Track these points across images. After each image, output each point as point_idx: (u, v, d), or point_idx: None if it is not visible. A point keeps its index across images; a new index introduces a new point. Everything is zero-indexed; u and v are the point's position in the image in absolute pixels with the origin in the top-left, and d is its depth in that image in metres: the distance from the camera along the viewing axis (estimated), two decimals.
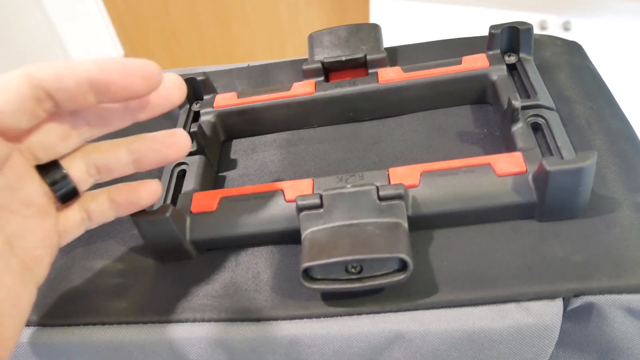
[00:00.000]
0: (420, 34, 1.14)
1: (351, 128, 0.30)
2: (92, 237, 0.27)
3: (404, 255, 0.21)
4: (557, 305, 0.21)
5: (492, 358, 0.22)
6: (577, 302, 0.21)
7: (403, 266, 0.21)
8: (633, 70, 1.10)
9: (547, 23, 1.10)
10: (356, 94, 0.30)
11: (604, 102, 0.29)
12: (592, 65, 0.32)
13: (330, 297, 0.22)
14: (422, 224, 0.24)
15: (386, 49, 0.33)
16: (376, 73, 0.30)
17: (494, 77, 0.28)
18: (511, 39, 0.29)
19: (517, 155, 0.24)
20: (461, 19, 1.09)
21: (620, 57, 1.10)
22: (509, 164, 0.24)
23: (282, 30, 1.36)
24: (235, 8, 1.37)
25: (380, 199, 0.23)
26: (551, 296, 0.21)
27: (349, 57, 0.30)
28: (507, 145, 0.26)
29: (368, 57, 0.30)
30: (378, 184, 0.23)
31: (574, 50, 0.32)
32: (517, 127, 0.25)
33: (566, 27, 1.09)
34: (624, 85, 1.12)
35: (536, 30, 1.10)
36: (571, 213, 0.23)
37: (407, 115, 0.30)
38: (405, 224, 0.22)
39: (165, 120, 0.33)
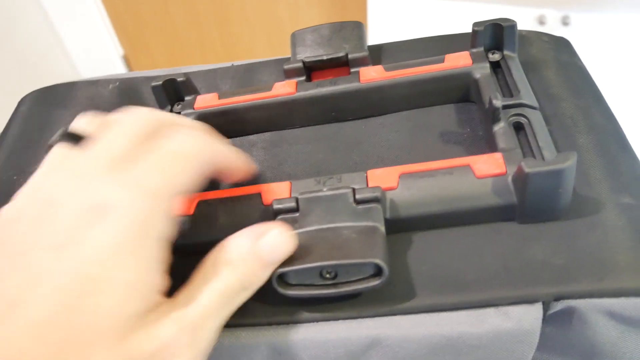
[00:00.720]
0: (419, 31, 1.13)
1: (333, 128, 0.30)
2: None
3: (378, 261, 0.20)
4: (536, 309, 0.21)
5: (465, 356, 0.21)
6: (558, 306, 0.21)
7: (379, 271, 0.21)
8: (633, 65, 1.09)
9: (545, 18, 1.09)
10: (337, 94, 0.29)
11: (591, 100, 0.28)
12: (580, 61, 0.31)
13: (307, 303, 0.22)
14: (401, 227, 0.23)
15: (370, 47, 0.32)
16: (358, 72, 0.29)
17: (477, 75, 0.28)
18: (495, 36, 0.29)
19: (497, 156, 0.23)
20: (460, 15, 1.08)
21: (620, 52, 1.09)
22: (488, 165, 0.23)
23: (282, 28, 1.36)
24: (235, 7, 1.37)
25: (357, 202, 0.22)
26: (530, 300, 0.21)
27: (330, 57, 0.30)
28: (489, 145, 0.26)
29: (350, 56, 0.30)
30: (355, 187, 0.23)
31: (561, 46, 0.32)
32: (499, 127, 0.25)
33: (565, 22, 1.08)
34: (624, 80, 1.11)
35: (534, 25, 1.09)
36: (552, 215, 0.22)
37: (390, 115, 0.30)
38: (382, 228, 0.22)
39: None
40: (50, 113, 0.35)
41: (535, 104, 0.26)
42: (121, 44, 1.54)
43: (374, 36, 1.15)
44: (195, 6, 1.39)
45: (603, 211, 0.22)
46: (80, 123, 0.21)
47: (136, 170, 0.18)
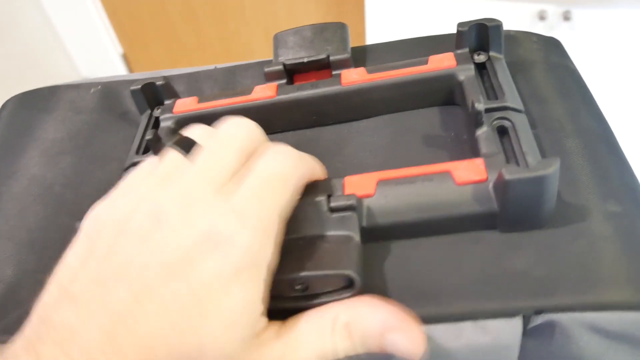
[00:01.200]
0: (417, 28, 1.12)
1: (315, 133, 0.29)
2: (44, 249, 0.27)
3: (350, 272, 0.20)
4: (515, 323, 0.20)
5: None
6: (538, 320, 0.20)
7: (351, 283, 0.20)
8: (634, 60, 1.08)
9: (546, 13, 1.07)
10: (318, 97, 0.28)
11: (580, 102, 0.27)
12: (571, 62, 0.30)
13: (278, 315, 0.22)
14: (378, 235, 0.23)
15: (353, 48, 0.31)
16: (339, 75, 0.29)
17: (461, 77, 0.27)
18: (480, 36, 0.28)
19: (479, 162, 0.23)
20: (459, 11, 1.06)
21: (621, 47, 1.07)
22: (469, 171, 0.22)
23: (280, 25, 1.35)
24: (233, 4, 1.36)
25: (331, 210, 0.22)
26: (509, 314, 0.20)
27: (311, 59, 0.29)
28: (473, 149, 0.25)
29: (331, 58, 0.29)
30: (331, 194, 0.22)
31: (551, 47, 0.31)
32: (482, 131, 0.24)
33: (566, 17, 1.06)
34: (625, 75, 1.10)
35: (535, 20, 1.08)
36: (535, 223, 0.22)
37: (373, 119, 0.29)
38: (357, 237, 0.21)
39: (129, 126, 0.32)
40: (32, 117, 0.35)
41: (520, 107, 0.25)
42: (120, 42, 1.53)
43: (372, 33, 1.14)
44: (193, 4, 1.38)
45: (589, 219, 0.22)
46: (194, 133, 0.22)
47: (241, 198, 0.19)
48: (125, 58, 1.57)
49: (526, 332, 0.20)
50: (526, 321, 0.20)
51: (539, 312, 0.20)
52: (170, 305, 0.17)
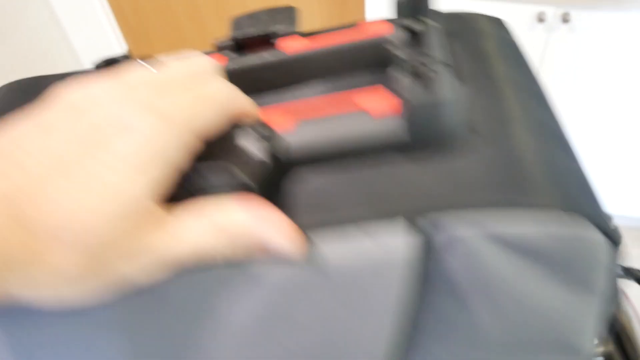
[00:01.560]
0: None
1: (258, 99, 0.30)
2: None
3: (242, 176, 0.20)
4: (400, 228, 0.20)
5: (340, 288, 0.21)
6: (441, 236, 0.20)
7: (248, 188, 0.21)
8: (632, 61, 1.07)
9: (545, 14, 1.07)
10: (262, 65, 0.29)
11: (517, 65, 0.28)
12: (513, 36, 0.32)
13: None
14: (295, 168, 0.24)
15: (305, 33, 0.32)
16: (282, 44, 0.30)
17: (396, 42, 0.28)
18: (416, 6, 0.29)
19: (387, 93, 0.24)
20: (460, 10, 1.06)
21: (620, 49, 1.07)
22: (380, 103, 0.23)
23: None
24: (236, 2, 1.38)
25: (247, 137, 0.22)
26: (389, 215, 0.20)
27: (259, 32, 0.30)
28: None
29: (278, 33, 0.30)
30: (248, 125, 0.23)
31: (496, 24, 0.32)
32: (404, 80, 0.25)
33: (565, 19, 1.06)
34: (624, 76, 1.09)
35: (534, 22, 1.08)
36: (444, 148, 0.22)
37: (312, 84, 0.30)
38: (269, 162, 0.22)
39: None
40: (13, 104, 0.36)
41: (447, 60, 0.26)
42: (125, 39, 1.56)
43: None
44: (197, 2, 1.40)
45: (503, 147, 0.22)
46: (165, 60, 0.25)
47: (167, 102, 0.21)
48: (130, 55, 1.59)
49: (429, 249, 0.20)
50: (423, 236, 0.20)
51: (420, 212, 0.20)
52: (70, 172, 0.19)
